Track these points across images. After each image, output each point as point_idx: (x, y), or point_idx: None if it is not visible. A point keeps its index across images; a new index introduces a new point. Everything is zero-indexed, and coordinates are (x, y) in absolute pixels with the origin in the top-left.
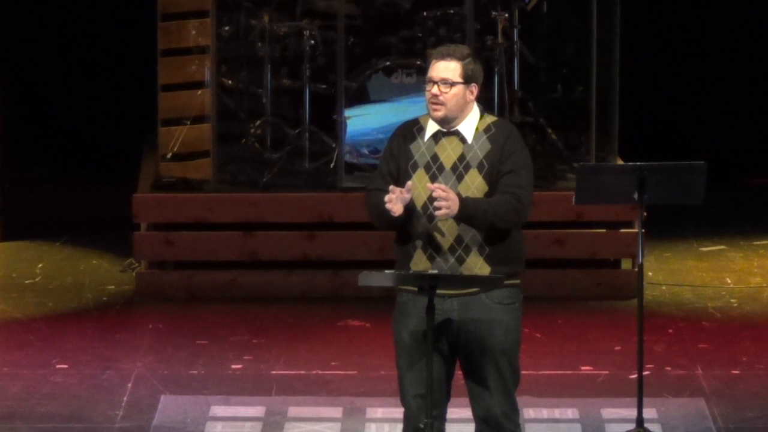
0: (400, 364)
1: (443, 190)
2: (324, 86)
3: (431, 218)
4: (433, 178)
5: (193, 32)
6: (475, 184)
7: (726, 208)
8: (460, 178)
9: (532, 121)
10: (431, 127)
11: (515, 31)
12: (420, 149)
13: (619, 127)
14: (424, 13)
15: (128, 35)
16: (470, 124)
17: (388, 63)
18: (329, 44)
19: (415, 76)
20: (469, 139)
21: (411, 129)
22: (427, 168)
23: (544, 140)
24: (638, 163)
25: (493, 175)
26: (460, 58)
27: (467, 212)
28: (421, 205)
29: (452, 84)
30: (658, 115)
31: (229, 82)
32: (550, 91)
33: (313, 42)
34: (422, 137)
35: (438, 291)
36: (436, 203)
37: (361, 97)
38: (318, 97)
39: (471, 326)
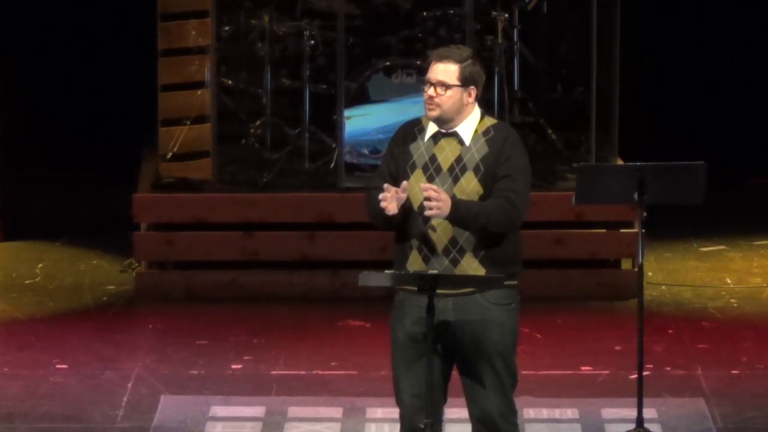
0: (396, 364)
1: (435, 191)
2: (324, 86)
3: (427, 219)
4: (431, 179)
5: (193, 32)
6: (470, 186)
7: (726, 208)
8: (456, 180)
9: (532, 121)
10: (431, 128)
11: (515, 31)
12: (419, 150)
13: (619, 127)
14: (424, 13)
15: (128, 35)
16: (469, 126)
17: (388, 63)
18: (329, 44)
19: (415, 76)
20: (467, 141)
21: (412, 129)
22: (425, 168)
23: (544, 140)
24: (638, 163)
25: (489, 178)
26: (458, 61)
27: (459, 214)
28: (418, 206)
29: (448, 87)
30: (658, 115)
31: (229, 82)
32: (550, 91)
33: (313, 42)
34: (422, 138)
35: (437, 291)
36: (426, 203)
37: (361, 97)
38: (318, 97)
39: (466, 327)
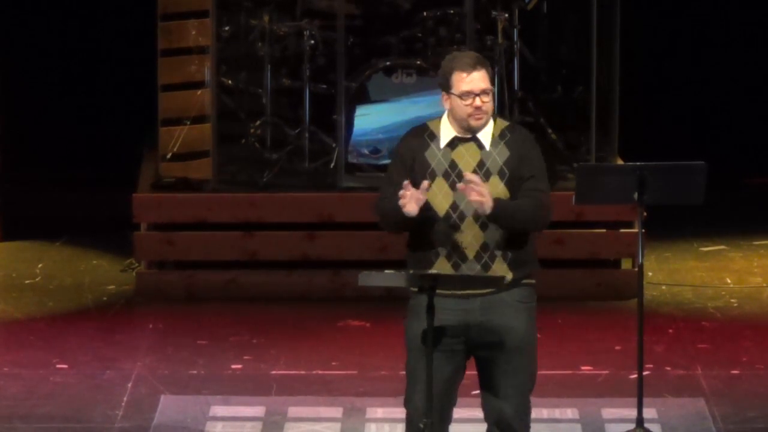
0: (413, 367)
1: (477, 183)
2: (324, 86)
3: (455, 226)
4: (452, 186)
5: (193, 32)
6: (497, 191)
7: (726, 208)
8: None
9: (532, 121)
10: (446, 134)
11: (515, 31)
12: (436, 157)
13: (619, 127)
14: (424, 13)
15: (128, 35)
16: (487, 130)
17: (388, 63)
18: (329, 44)
19: (415, 76)
20: (487, 145)
21: (422, 136)
22: (446, 176)
23: (544, 140)
24: (638, 163)
25: (514, 181)
26: (484, 64)
27: (500, 212)
28: (444, 213)
29: (491, 93)
30: (658, 115)
31: (229, 82)
32: (550, 91)
33: (313, 42)
34: (436, 144)
35: (463, 291)
36: (470, 187)
37: (361, 97)
38: (318, 97)
39: (493, 326)
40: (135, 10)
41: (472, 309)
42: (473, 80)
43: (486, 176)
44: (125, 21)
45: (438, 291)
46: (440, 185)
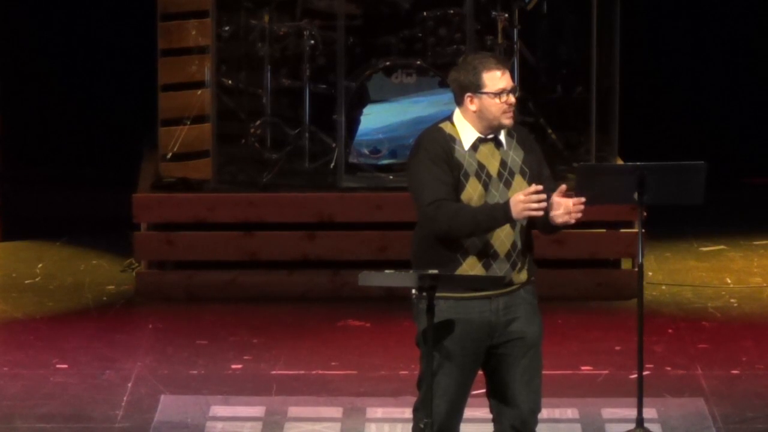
0: (435, 372)
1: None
2: (324, 86)
3: None
4: (485, 186)
5: (193, 32)
6: (522, 190)
7: (726, 208)
8: (507, 185)
9: (532, 121)
10: (468, 135)
11: (515, 31)
12: (465, 158)
13: (619, 127)
14: (424, 13)
15: (128, 35)
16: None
17: (388, 63)
18: (329, 44)
19: (415, 76)
20: (504, 144)
21: (443, 137)
22: (478, 176)
23: (544, 140)
24: (638, 163)
25: (535, 178)
26: (507, 64)
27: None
28: None
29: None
30: (658, 115)
31: (229, 82)
32: (550, 91)
33: (313, 42)
34: (460, 145)
35: (487, 292)
36: (536, 205)
37: (361, 97)
38: (318, 97)
39: (516, 323)
40: (135, 10)
41: (496, 310)
42: (506, 78)
43: (510, 175)
44: (125, 21)
45: (462, 294)
46: (474, 186)
